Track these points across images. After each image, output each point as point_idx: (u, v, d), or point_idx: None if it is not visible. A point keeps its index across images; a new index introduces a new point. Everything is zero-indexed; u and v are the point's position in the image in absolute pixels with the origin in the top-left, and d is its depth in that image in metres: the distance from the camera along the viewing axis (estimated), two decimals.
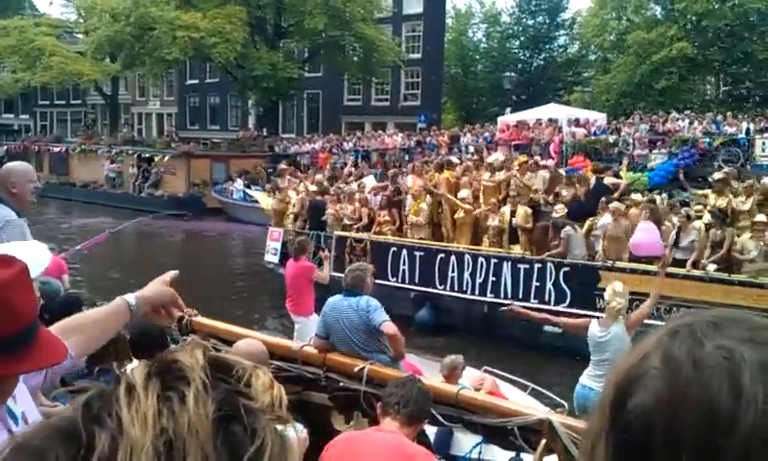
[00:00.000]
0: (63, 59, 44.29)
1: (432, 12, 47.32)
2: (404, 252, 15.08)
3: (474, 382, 7.12)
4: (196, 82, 54.67)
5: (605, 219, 13.40)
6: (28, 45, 44.16)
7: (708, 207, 13.79)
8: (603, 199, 13.88)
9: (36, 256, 2.15)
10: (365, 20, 39.76)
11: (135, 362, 4.33)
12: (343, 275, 6.33)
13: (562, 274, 13.40)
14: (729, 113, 29.57)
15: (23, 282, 1.58)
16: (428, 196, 15.74)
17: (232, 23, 37.51)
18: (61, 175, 43.05)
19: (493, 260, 14.19)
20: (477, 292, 14.25)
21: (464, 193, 15.23)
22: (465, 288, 14.45)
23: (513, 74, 41.13)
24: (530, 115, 30.85)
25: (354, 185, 18.43)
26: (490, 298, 14.08)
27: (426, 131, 35.19)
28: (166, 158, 36.33)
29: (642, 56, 45.15)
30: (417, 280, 15.16)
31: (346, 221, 16.88)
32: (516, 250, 14.27)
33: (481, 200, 15.81)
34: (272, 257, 18.38)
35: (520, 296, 13.61)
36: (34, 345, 1.59)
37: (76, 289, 9.76)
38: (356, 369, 5.26)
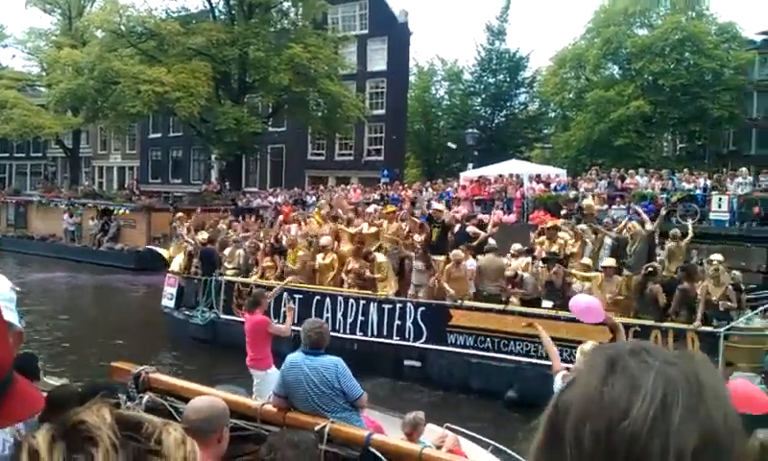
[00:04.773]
0: (25, 111, 43.98)
1: (395, 70, 48.10)
2: (285, 295, 15.80)
3: (436, 440, 7.03)
4: (159, 135, 54.65)
5: (450, 264, 14.71)
6: None
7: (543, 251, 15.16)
8: (462, 246, 15.18)
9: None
10: (329, 77, 40.14)
11: None
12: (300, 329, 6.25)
13: (419, 312, 14.73)
14: (686, 170, 30.20)
15: None
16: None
17: (197, 78, 37.53)
18: (20, 228, 42.35)
19: (362, 301, 15.47)
20: (348, 331, 15.39)
21: (325, 240, 16.54)
22: (338, 327, 15.43)
23: (475, 130, 41.56)
24: (492, 171, 31.22)
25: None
26: (359, 336, 15.32)
27: (390, 185, 35.37)
28: (126, 212, 35.96)
29: (601, 114, 46.16)
30: (296, 321, 15.60)
31: (227, 266, 18.02)
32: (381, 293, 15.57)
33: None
34: (168, 302, 18.95)
35: (385, 333, 15.14)
36: (11, 396, 1.43)
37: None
38: (317, 428, 5.17)
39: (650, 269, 12.90)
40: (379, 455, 4.64)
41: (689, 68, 46.74)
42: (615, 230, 15.48)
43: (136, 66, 38.21)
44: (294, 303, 14.03)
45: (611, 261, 13.43)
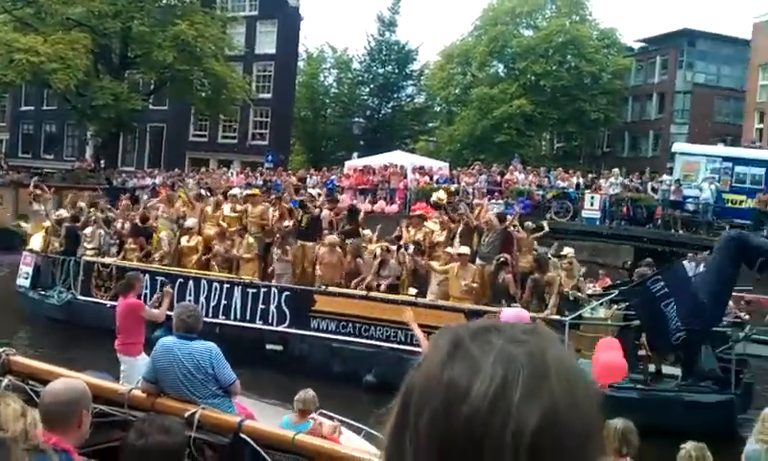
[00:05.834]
0: None
1: (284, 54, 47.61)
2: (146, 277, 15.39)
3: (313, 427, 6.99)
4: (31, 108, 52.05)
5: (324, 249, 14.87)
6: None
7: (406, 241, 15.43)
8: (325, 231, 15.51)
9: None
10: (215, 57, 39.40)
11: None
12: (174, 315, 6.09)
13: (283, 297, 14.82)
14: (560, 168, 31.32)
15: None
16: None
17: (75, 50, 35.97)
18: None
19: (226, 285, 15.43)
20: (211, 314, 15.07)
21: (190, 222, 16.58)
22: (201, 311, 15.31)
23: (361, 120, 41.92)
24: (376, 161, 31.41)
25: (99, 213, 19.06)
26: (221, 320, 15.10)
27: (273, 171, 35.01)
28: None
29: (484, 110, 47.23)
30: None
31: (86, 246, 17.65)
32: (245, 275, 15.64)
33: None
34: (23, 281, 18.40)
35: (248, 317, 15.12)
36: None
37: None
38: (187, 414, 5.03)
39: (502, 259, 13.30)
40: (251, 442, 4.57)
41: (570, 71, 48.54)
42: (473, 217, 15.79)
43: (10, 33, 36.36)
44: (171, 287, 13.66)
45: (465, 249, 13.78)
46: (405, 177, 28.70)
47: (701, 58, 51.66)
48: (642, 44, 55.11)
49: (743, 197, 25.71)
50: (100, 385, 5.28)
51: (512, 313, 10.44)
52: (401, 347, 12.81)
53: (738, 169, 26.96)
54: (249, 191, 18.80)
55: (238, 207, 16.91)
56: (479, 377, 0.83)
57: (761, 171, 26.45)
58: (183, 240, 16.45)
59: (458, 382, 0.83)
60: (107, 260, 17.03)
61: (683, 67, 50.94)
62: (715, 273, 12.42)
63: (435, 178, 29.05)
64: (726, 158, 27.81)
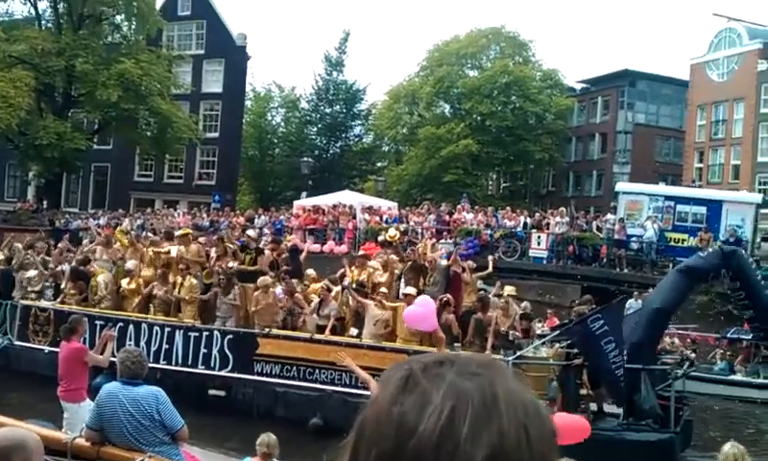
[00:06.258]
0: None
1: (231, 93, 47.51)
2: (85, 321, 15.22)
3: None
4: None
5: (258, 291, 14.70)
6: None
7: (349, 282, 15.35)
8: (271, 273, 15.28)
9: None
10: (161, 95, 39.05)
11: None
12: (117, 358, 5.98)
13: (226, 341, 14.60)
14: (508, 208, 31.75)
15: None
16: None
17: (17, 88, 35.28)
18: None
19: (167, 329, 15.16)
20: (151, 359, 14.51)
21: (131, 264, 16.26)
22: None
23: (309, 159, 41.88)
24: (325, 201, 31.38)
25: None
26: (162, 365, 14.71)
27: (220, 211, 34.74)
28: None
29: (431, 150, 47.65)
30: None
31: (29, 289, 17.27)
32: (186, 319, 15.35)
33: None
34: None
35: (189, 362, 14.81)
36: None
37: None
38: None
39: (444, 300, 13.33)
40: None
41: (515, 111, 49.40)
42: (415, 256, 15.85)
43: None
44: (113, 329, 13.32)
45: (411, 290, 13.74)
46: (354, 217, 28.74)
47: (641, 98, 52.99)
48: (584, 85, 56.36)
49: (685, 235, 26.23)
50: (41, 434, 5.13)
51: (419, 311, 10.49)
52: (346, 390, 12.73)
53: (680, 208, 27.50)
54: (180, 232, 18.48)
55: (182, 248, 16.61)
56: (428, 411, 0.82)
57: (702, 209, 27.02)
58: (124, 283, 16.14)
59: (407, 417, 0.83)
60: (44, 304, 16.62)
61: (623, 108, 52.15)
62: (657, 301, 12.73)
63: (384, 217, 29.16)
64: (668, 197, 28.37)
